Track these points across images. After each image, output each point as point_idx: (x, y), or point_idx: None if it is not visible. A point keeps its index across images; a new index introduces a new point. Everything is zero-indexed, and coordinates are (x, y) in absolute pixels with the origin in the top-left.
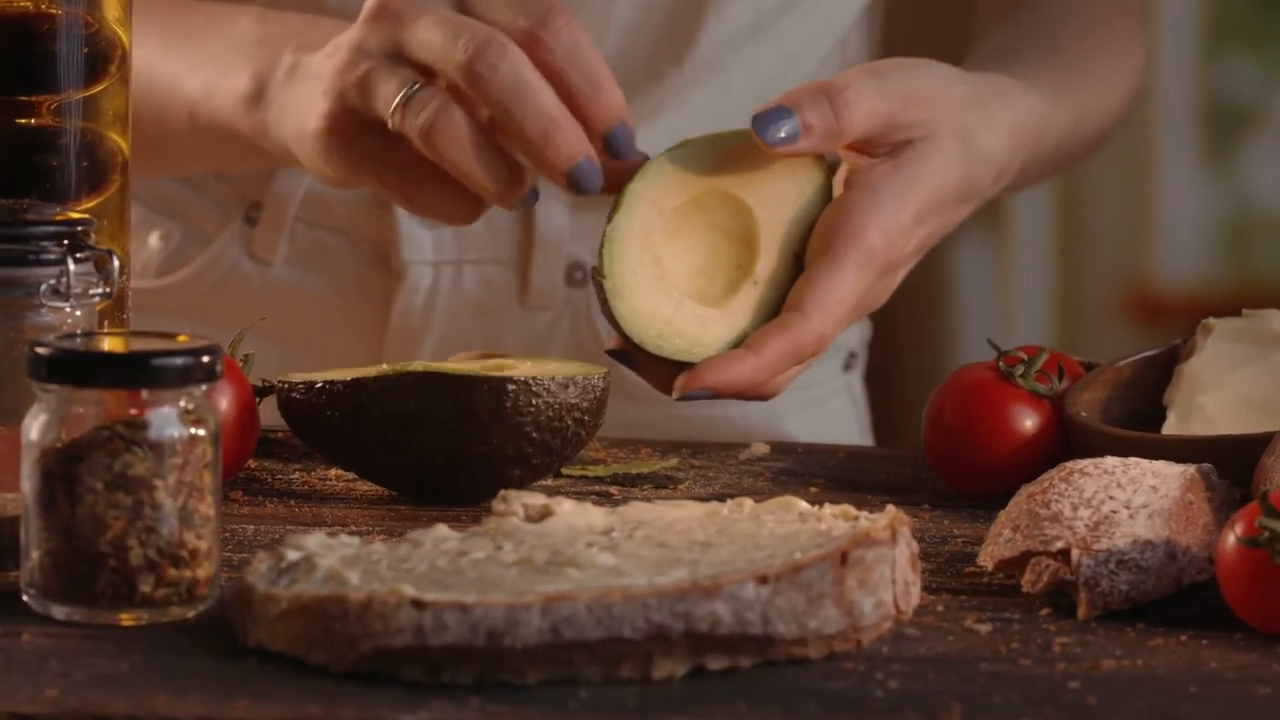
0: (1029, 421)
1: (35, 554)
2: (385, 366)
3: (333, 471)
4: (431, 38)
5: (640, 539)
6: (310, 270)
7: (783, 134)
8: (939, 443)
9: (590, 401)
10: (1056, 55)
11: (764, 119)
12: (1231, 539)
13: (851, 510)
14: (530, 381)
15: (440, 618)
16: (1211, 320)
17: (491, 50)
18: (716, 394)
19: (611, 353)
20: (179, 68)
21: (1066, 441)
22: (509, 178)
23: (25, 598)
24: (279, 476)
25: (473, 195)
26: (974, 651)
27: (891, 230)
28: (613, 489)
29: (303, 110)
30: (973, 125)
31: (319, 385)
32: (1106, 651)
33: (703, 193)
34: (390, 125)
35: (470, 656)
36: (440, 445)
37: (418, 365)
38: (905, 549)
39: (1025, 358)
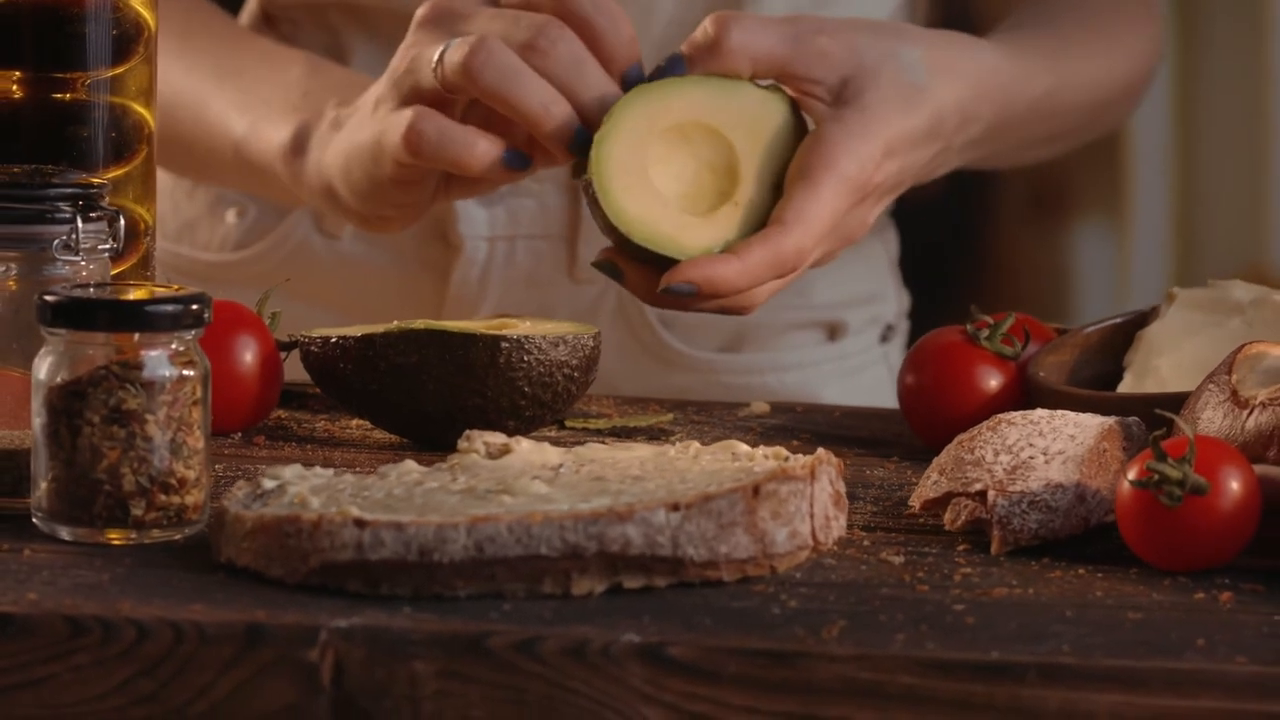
0: (993, 381)
1: (43, 482)
2: (395, 324)
3: (354, 421)
4: (492, 25)
5: (583, 474)
6: (374, 244)
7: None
8: (911, 400)
9: (580, 359)
10: (1048, 26)
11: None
12: (1125, 481)
13: (783, 452)
14: (523, 339)
15: (378, 535)
16: (1176, 289)
17: (551, 29)
18: (699, 291)
19: (598, 265)
20: (229, 102)
21: (1029, 400)
22: (548, 101)
23: (34, 520)
24: (304, 425)
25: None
26: (880, 579)
27: (863, 157)
28: (609, 440)
29: (362, 145)
30: (912, 67)
31: (333, 340)
32: (1004, 581)
33: (687, 121)
34: (435, 80)
35: (405, 570)
36: (440, 396)
37: (420, 323)
38: (827, 487)
39: (992, 322)
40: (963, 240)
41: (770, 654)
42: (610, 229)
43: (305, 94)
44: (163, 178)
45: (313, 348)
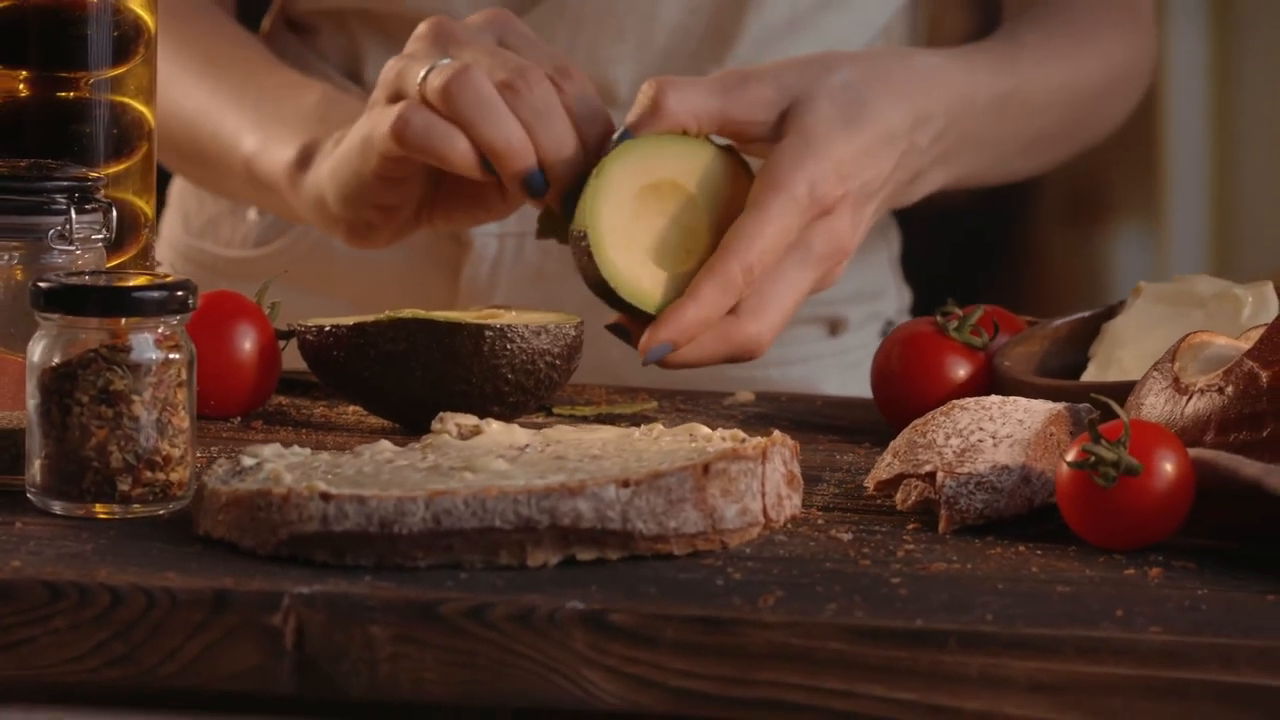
0: (961, 371)
1: (36, 459)
2: (386, 313)
3: (350, 408)
4: (480, 57)
5: (546, 454)
6: None
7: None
8: (882, 389)
9: (561, 348)
10: (1004, 33)
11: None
12: (1064, 463)
13: (740, 434)
14: (506, 328)
15: (342, 508)
16: (1143, 283)
17: (531, 73)
18: (676, 345)
19: (611, 328)
20: (245, 121)
21: (994, 389)
22: (512, 138)
23: (29, 495)
24: (303, 410)
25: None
26: (826, 553)
27: (811, 174)
28: (595, 426)
29: (353, 143)
30: (847, 86)
31: (327, 328)
32: (944, 557)
33: (661, 179)
34: (418, 96)
35: (367, 541)
36: (428, 382)
37: (408, 312)
38: (780, 467)
39: (961, 314)
40: (1000, 243)
41: (706, 620)
42: (600, 282)
43: (321, 120)
44: None
45: (308, 336)
